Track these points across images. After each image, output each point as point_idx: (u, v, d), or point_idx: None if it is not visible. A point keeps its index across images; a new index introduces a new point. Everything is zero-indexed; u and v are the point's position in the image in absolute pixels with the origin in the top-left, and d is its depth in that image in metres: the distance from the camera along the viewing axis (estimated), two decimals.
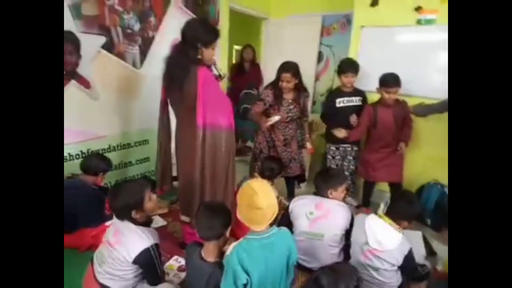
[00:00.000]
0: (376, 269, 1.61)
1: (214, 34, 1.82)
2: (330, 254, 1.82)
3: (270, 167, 2.51)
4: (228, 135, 1.84)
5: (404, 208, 1.68)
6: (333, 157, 2.95)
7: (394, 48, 2.86)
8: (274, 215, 1.36)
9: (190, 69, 1.72)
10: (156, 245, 1.48)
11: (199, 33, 1.77)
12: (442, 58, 2.64)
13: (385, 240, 1.59)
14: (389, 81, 2.46)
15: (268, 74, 4.37)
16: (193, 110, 1.74)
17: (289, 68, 2.49)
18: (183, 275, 1.83)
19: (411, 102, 2.76)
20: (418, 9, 2.66)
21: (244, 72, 4.29)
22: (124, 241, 1.43)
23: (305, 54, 4.17)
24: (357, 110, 2.74)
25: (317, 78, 4.23)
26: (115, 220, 1.50)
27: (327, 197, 1.90)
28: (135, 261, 1.42)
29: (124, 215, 1.45)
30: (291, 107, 2.58)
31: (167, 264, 1.94)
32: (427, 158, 2.80)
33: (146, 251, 1.41)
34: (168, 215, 2.58)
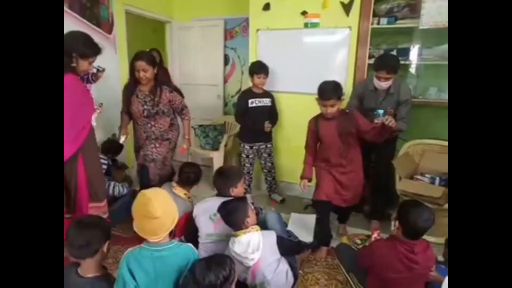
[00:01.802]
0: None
1: (93, 50, 1.85)
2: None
3: (187, 174, 2.42)
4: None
5: None
6: (247, 156, 3.05)
7: (288, 49, 3.08)
8: (174, 223, 1.32)
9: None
10: None
11: (79, 43, 1.80)
12: (334, 56, 2.93)
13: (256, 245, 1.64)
14: (323, 92, 2.11)
15: (177, 78, 4.29)
16: None
17: (143, 55, 2.33)
18: None
19: (307, 100, 3.02)
20: (304, 13, 2.91)
21: None
22: None
23: (212, 57, 4.21)
24: (268, 110, 2.95)
25: (226, 81, 4.30)
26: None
27: (229, 195, 1.94)
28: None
29: None
30: (147, 99, 2.41)
31: None
32: None
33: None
34: None
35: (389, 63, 2.30)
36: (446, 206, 2.15)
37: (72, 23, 2.76)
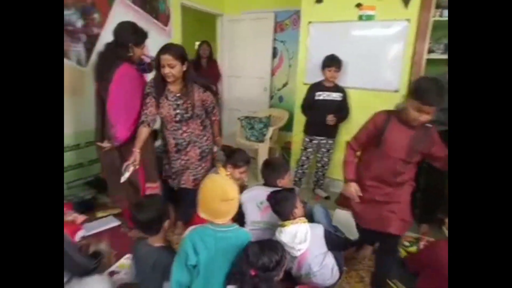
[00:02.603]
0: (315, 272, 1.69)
1: (142, 36, 2.06)
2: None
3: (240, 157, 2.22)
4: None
5: None
6: (306, 149, 3.02)
7: (340, 42, 3.00)
8: (234, 212, 1.40)
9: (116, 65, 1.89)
10: None
11: (130, 33, 1.98)
12: (385, 52, 2.82)
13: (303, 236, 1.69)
14: (427, 93, 1.45)
15: (226, 70, 4.40)
16: None
17: (170, 48, 1.94)
18: None
19: (359, 95, 2.95)
20: (358, 5, 2.82)
21: (202, 68, 4.28)
22: None
23: (260, 50, 4.25)
24: (336, 105, 2.84)
25: (273, 74, 4.32)
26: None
27: (276, 186, 1.98)
28: None
29: None
30: (179, 102, 2.04)
31: (118, 263, 1.93)
32: None
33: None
34: (121, 215, 2.54)
35: None
36: None
37: (134, 15, 2.96)
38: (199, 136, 2.17)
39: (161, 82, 1.99)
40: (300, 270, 1.66)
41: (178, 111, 2.04)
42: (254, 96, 4.43)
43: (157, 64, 1.94)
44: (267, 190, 1.86)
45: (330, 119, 2.78)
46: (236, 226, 1.43)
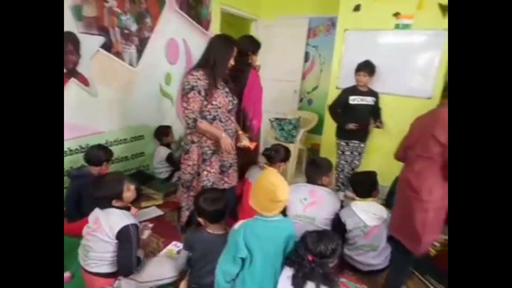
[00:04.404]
0: (377, 246, 1.93)
1: (258, 45, 2.46)
2: None
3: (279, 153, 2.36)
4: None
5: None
6: (343, 152, 3.05)
7: (375, 49, 3.09)
8: (284, 206, 1.49)
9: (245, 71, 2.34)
10: (136, 226, 1.62)
11: (249, 44, 2.41)
12: (420, 60, 2.89)
13: (378, 213, 1.95)
14: None
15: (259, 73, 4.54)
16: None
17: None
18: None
19: (393, 101, 3.03)
20: (396, 14, 2.91)
21: None
22: (105, 222, 1.55)
23: (292, 54, 4.37)
24: (369, 109, 2.88)
25: (303, 77, 4.43)
26: (95, 211, 1.64)
27: (319, 184, 2.12)
28: (117, 237, 1.55)
29: (105, 204, 1.61)
30: (227, 89, 2.02)
31: (167, 248, 2.11)
32: None
33: (126, 227, 1.54)
34: (163, 206, 2.73)
35: None
36: None
37: (180, 20, 3.17)
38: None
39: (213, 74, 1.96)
40: (366, 239, 1.93)
41: (229, 98, 2.01)
42: (283, 98, 4.56)
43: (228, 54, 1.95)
44: (310, 187, 2.03)
45: (352, 125, 2.80)
46: (281, 216, 1.52)
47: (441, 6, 2.68)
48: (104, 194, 1.60)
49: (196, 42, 3.40)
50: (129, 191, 1.67)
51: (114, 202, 1.62)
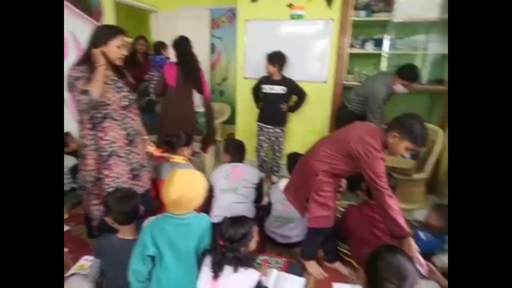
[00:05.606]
0: (294, 218, 2.11)
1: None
2: (242, 208, 2.12)
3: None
4: None
5: None
6: (261, 134, 3.19)
7: (275, 39, 3.26)
8: (196, 204, 1.42)
9: None
10: None
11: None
12: (315, 47, 3.17)
13: None
14: (424, 137, 1.58)
15: None
16: None
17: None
18: None
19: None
20: (290, 5, 3.11)
21: (138, 64, 4.16)
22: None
23: (198, 46, 4.30)
24: (279, 97, 3.00)
25: (212, 69, 4.43)
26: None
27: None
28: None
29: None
30: (124, 87, 1.81)
31: (78, 264, 1.90)
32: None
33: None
34: (69, 220, 2.45)
35: None
36: (415, 176, 2.50)
37: (66, 12, 2.80)
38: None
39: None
40: (285, 212, 2.14)
41: (123, 93, 1.82)
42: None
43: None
44: (234, 165, 2.32)
45: (284, 107, 3.03)
46: (194, 213, 1.47)
47: None
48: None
49: (85, 34, 3.04)
50: None
51: None
